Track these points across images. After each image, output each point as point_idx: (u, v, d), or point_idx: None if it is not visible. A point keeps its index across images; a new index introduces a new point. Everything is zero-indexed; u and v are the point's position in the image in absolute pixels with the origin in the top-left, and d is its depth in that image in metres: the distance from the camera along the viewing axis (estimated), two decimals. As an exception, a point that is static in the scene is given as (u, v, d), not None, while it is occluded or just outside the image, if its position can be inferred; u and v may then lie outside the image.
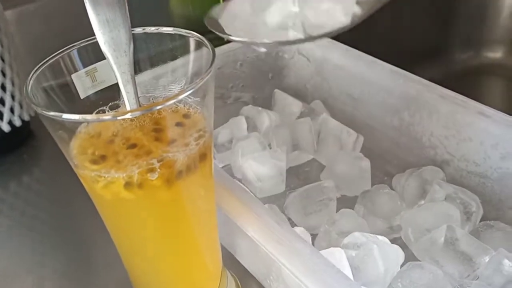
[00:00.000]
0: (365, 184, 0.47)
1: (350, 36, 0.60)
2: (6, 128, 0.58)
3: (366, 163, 0.47)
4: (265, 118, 0.54)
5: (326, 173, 0.49)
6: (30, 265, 0.47)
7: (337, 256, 0.38)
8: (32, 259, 0.48)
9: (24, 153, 0.61)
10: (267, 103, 0.58)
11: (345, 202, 0.46)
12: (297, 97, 0.57)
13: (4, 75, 0.57)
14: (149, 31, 0.34)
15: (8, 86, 0.57)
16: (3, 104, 0.57)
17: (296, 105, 0.56)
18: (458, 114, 0.44)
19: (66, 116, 0.28)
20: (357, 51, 0.54)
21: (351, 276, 0.36)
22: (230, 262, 0.42)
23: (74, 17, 0.69)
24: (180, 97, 0.28)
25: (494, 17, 0.85)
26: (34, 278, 0.46)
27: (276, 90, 0.58)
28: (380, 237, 0.38)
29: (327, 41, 0.57)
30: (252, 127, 0.55)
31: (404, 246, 0.41)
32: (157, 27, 0.34)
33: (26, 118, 0.60)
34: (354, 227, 0.40)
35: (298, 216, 0.44)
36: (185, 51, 0.33)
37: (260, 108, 0.55)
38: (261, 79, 0.60)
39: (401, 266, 0.38)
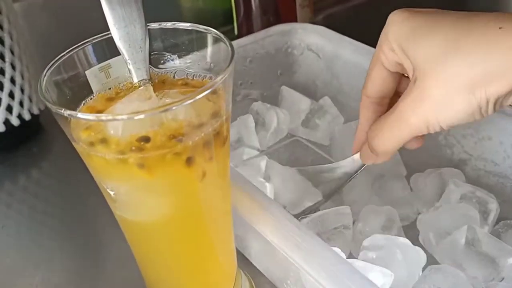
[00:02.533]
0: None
1: (360, 31, 0.58)
2: (15, 121, 0.55)
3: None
4: (273, 116, 0.52)
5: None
6: (39, 260, 0.45)
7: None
8: (40, 254, 0.46)
9: (33, 147, 0.58)
10: (276, 100, 0.55)
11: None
12: (306, 94, 0.54)
13: (13, 68, 0.54)
14: (165, 27, 0.31)
15: (18, 79, 0.55)
16: (13, 97, 0.55)
17: (304, 102, 0.53)
18: (476, 112, 0.41)
19: (81, 115, 0.26)
20: (368, 47, 0.52)
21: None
22: (244, 263, 0.39)
23: (83, 10, 0.67)
24: (198, 97, 0.25)
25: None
26: (43, 273, 0.44)
27: (283, 87, 0.55)
28: (401, 239, 0.35)
29: (338, 37, 0.54)
30: (261, 123, 0.52)
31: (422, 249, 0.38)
32: (173, 23, 0.31)
33: (36, 111, 0.58)
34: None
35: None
36: (203, 45, 0.31)
37: (269, 105, 0.53)
38: (270, 76, 0.57)
39: (423, 269, 0.35)
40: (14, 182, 0.55)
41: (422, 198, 0.42)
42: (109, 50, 0.30)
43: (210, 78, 0.30)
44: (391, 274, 0.33)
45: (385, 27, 0.34)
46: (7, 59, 0.53)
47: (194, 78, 0.31)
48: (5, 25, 0.53)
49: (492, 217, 0.39)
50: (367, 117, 0.37)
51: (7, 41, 0.53)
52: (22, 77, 0.55)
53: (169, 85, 0.31)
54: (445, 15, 0.31)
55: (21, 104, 0.55)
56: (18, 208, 0.52)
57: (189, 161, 0.27)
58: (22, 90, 0.55)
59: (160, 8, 0.63)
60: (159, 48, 0.32)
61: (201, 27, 0.30)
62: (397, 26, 0.32)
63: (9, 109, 0.55)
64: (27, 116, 0.56)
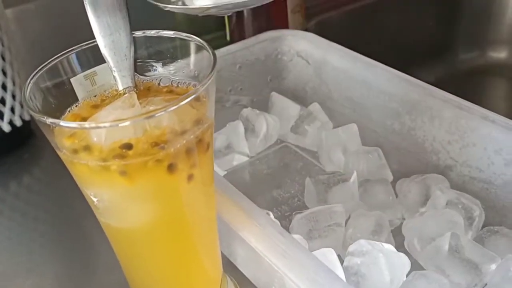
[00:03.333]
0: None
1: (352, 38, 0.58)
2: (6, 128, 0.55)
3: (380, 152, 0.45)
4: (263, 122, 0.52)
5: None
6: (30, 266, 0.45)
7: (329, 257, 0.36)
8: (31, 260, 0.46)
9: (25, 153, 0.58)
10: (265, 106, 0.56)
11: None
12: (296, 100, 0.55)
13: (4, 74, 0.54)
14: (149, 34, 0.31)
15: (9, 85, 0.55)
16: (4, 103, 0.55)
17: (293, 108, 0.54)
18: (461, 119, 0.42)
19: (64, 123, 0.26)
20: (357, 53, 0.52)
21: (343, 277, 0.34)
22: (230, 268, 0.39)
23: (74, 16, 0.66)
24: (181, 103, 0.26)
25: (499, 16, 0.83)
26: (34, 279, 0.43)
27: (273, 93, 0.55)
28: (386, 245, 0.35)
29: (327, 43, 0.54)
30: (250, 130, 0.52)
31: (407, 254, 0.38)
32: (157, 31, 0.31)
33: (27, 118, 0.58)
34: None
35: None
36: (186, 53, 0.31)
37: (258, 112, 0.53)
38: (260, 82, 0.57)
39: (407, 275, 0.35)
40: (5, 188, 0.55)
41: (407, 204, 0.42)
42: (94, 57, 0.31)
43: (194, 85, 0.31)
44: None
45: None
46: (-2, 65, 0.53)
47: (179, 85, 0.31)
48: (-4, 32, 0.53)
49: (476, 223, 0.39)
50: None
51: (-2, 47, 0.53)
52: (14, 83, 0.55)
53: (154, 93, 0.31)
54: None
55: (12, 110, 0.55)
56: (9, 214, 0.52)
57: (171, 167, 0.27)
58: (13, 96, 0.55)
59: (154, 14, 0.63)
60: (144, 56, 0.32)
61: (183, 35, 0.30)
62: None
63: (0, 115, 0.55)
64: (18, 122, 0.56)
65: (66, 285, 0.43)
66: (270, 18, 0.69)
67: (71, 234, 0.48)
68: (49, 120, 0.25)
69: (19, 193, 0.55)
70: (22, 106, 0.57)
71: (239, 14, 0.69)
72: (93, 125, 0.26)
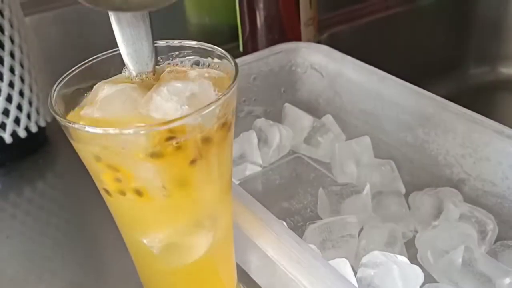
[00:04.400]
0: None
1: (364, 51, 0.59)
2: (22, 134, 0.56)
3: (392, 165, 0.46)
4: (276, 132, 0.52)
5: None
6: (42, 272, 0.45)
7: (342, 268, 0.36)
8: (43, 266, 0.46)
9: (40, 159, 0.59)
10: (279, 117, 0.56)
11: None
12: (309, 112, 0.55)
13: (22, 81, 0.55)
14: (172, 44, 0.32)
15: (26, 92, 0.56)
16: (21, 110, 0.55)
17: (306, 119, 0.54)
18: (475, 133, 0.42)
19: (89, 128, 0.26)
20: (370, 66, 0.52)
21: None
22: (243, 276, 0.40)
23: (91, 25, 0.68)
24: (203, 112, 0.26)
25: (510, 32, 0.83)
26: (45, 284, 0.44)
27: (286, 104, 0.56)
28: (399, 256, 0.35)
29: (341, 56, 0.55)
30: (263, 140, 0.53)
31: (420, 267, 0.39)
32: (180, 41, 0.32)
33: (43, 124, 0.58)
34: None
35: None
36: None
37: (272, 122, 0.53)
38: (274, 93, 0.58)
39: (420, 287, 0.36)
40: (19, 193, 0.55)
41: (419, 217, 0.42)
42: (116, 66, 0.31)
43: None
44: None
45: None
46: (16, 72, 0.54)
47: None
48: (16, 39, 0.54)
49: (489, 237, 0.40)
50: None
51: (17, 54, 0.54)
52: (31, 90, 0.56)
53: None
54: None
55: (28, 116, 0.56)
56: (22, 219, 0.52)
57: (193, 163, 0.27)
58: (30, 103, 0.56)
59: (167, 25, 0.64)
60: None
61: (206, 46, 0.31)
62: None
63: (17, 121, 0.55)
64: (34, 129, 0.57)
65: (78, 292, 0.43)
66: (283, 31, 0.69)
67: (84, 240, 0.49)
68: (76, 125, 0.26)
69: (33, 199, 0.55)
70: (38, 113, 0.57)
71: (253, 26, 0.69)
72: (117, 131, 0.27)
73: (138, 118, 0.27)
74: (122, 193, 0.28)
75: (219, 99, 0.27)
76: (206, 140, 0.28)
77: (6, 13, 0.53)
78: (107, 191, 0.29)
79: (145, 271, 0.34)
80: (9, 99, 0.54)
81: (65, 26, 0.68)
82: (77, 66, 0.31)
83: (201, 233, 0.31)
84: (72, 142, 0.28)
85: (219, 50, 0.31)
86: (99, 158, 0.27)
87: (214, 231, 0.31)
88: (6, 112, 0.55)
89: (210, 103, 0.26)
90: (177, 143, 0.26)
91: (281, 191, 0.50)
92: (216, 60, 0.31)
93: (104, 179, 0.29)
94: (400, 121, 0.48)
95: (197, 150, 0.27)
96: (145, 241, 0.30)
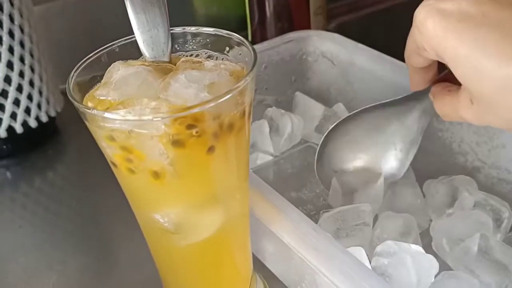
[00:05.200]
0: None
1: (372, 40, 0.58)
2: (33, 124, 0.56)
3: None
4: (288, 121, 0.52)
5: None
6: (52, 262, 0.46)
7: (358, 256, 0.36)
8: (54, 255, 0.46)
9: (49, 149, 0.59)
10: (290, 106, 0.56)
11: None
12: (320, 101, 0.55)
13: (32, 70, 0.55)
14: (189, 31, 0.32)
15: (36, 81, 0.56)
16: (31, 100, 0.56)
17: (317, 109, 0.54)
18: (490, 121, 0.42)
19: (107, 114, 0.26)
20: (383, 54, 0.52)
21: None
22: (257, 265, 0.40)
23: (101, 14, 0.68)
24: (223, 98, 0.26)
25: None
26: (56, 275, 0.44)
27: (297, 93, 0.56)
28: (413, 246, 0.35)
29: (353, 44, 0.55)
30: (275, 129, 0.53)
31: (435, 255, 0.39)
32: (197, 27, 0.32)
33: (53, 114, 0.59)
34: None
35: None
36: (224, 49, 0.32)
37: (283, 111, 0.53)
38: (285, 82, 0.58)
39: (435, 276, 0.36)
40: (30, 183, 0.56)
41: (434, 205, 0.42)
42: (133, 52, 0.31)
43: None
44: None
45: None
46: (26, 62, 0.54)
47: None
48: (26, 29, 0.54)
49: (505, 224, 0.39)
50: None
51: (27, 44, 0.54)
52: (41, 80, 0.56)
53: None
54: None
55: (39, 106, 0.56)
56: (33, 209, 0.53)
57: (211, 149, 0.27)
58: (40, 93, 0.56)
59: (175, 15, 0.64)
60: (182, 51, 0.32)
61: (224, 32, 0.31)
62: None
63: (28, 111, 0.56)
64: (44, 118, 0.57)
65: (89, 281, 0.44)
66: (292, 20, 0.69)
67: (94, 229, 0.49)
68: (94, 111, 0.26)
69: (43, 188, 0.56)
70: (48, 103, 0.58)
71: (262, 15, 0.69)
72: (136, 117, 0.27)
73: (155, 102, 0.27)
74: (132, 172, 0.28)
75: (239, 86, 0.27)
76: (225, 128, 0.27)
77: (16, 2, 0.53)
78: (115, 165, 0.29)
79: (158, 249, 0.34)
80: (19, 89, 0.54)
81: (74, 16, 0.68)
82: (94, 52, 0.31)
83: (214, 211, 0.31)
84: (87, 124, 0.28)
85: (236, 36, 0.31)
86: (113, 139, 0.27)
87: (228, 211, 0.31)
88: (16, 102, 0.55)
89: (231, 89, 0.26)
90: (196, 132, 0.26)
91: (293, 180, 0.50)
92: (232, 49, 0.31)
93: (115, 158, 0.29)
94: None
95: (215, 138, 0.27)
96: (157, 216, 0.30)
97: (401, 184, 0.43)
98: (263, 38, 0.68)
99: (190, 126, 0.26)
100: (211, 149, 0.28)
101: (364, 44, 0.54)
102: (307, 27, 0.69)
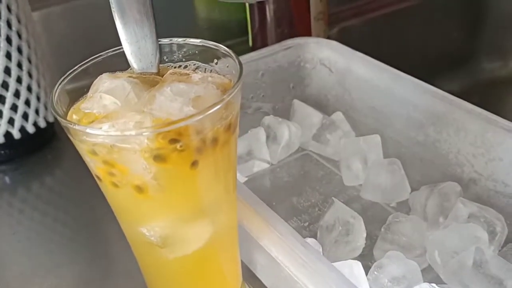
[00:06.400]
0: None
1: (375, 45, 0.58)
2: (31, 129, 0.56)
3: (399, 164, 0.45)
4: (285, 129, 0.52)
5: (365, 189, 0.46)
6: (49, 267, 0.45)
7: (355, 270, 0.35)
8: (51, 260, 0.46)
9: (48, 155, 0.59)
10: (287, 113, 0.55)
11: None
12: (318, 108, 0.54)
13: (30, 76, 0.55)
14: (176, 42, 0.31)
15: (34, 87, 0.55)
16: (29, 105, 0.55)
17: (316, 116, 0.53)
18: (488, 132, 0.41)
19: (90, 130, 0.26)
20: (380, 63, 0.51)
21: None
22: (249, 276, 0.39)
23: (99, 20, 0.67)
24: (207, 112, 0.26)
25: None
26: (52, 280, 0.44)
27: (295, 101, 0.55)
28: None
29: (351, 52, 0.54)
30: (272, 137, 0.52)
31: (429, 268, 0.38)
32: (184, 38, 0.31)
33: (51, 119, 0.58)
34: (406, 271, 0.36)
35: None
36: (211, 60, 0.31)
37: (280, 119, 0.52)
38: (282, 89, 0.57)
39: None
40: (27, 188, 0.55)
41: (428, 218, 0.42)
42: (120, 64, 0.31)
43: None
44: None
45: None
46: (24, 68, 0.54)
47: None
48: (24, 35, 0.54)
49: (498, 237, 0.39)
50: None
51: (25, 49, 0.54)
52: (39, 85, 0.56)
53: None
54: None
55: (37, 112, 0.56)
56: (30, 214, 0.52)
57: (194, 164, 0.27)
58: (38, 98, 0.56)
59: (176, 19, 0.64)
60: (172, 60, 0.32)
61: (210, 43, 0.30)
62: None
63: (25, 116, 0.55)
64: (42, 124, 0.57)
65: (85, 287, 0.43)
66: (293, 25, 0.69)
67: (91, 236, 0.49)
68: (77, 126, 0.26)
69: (41, 194, 0.55)
70: (46, 108, 0.57)
71: (262, 20, 0.69)
72: (118, 133, 0.26)
73: (140, 116, 0.27)
74: (116, 186, 0.28)
75: (224, 99, 0.26)
76: (209, 143, 0.27)
77: (13, 8, 0.53)
78: (99, 179, 0.29)
79: (145, 262, 0.33)
80: (17, 94, 0.54)
81: (73, 21, 0.68)
82: (80, 64, 0.30)
83: (201, 224, 0.30)
84: (69, 136, 0.28)
85: (223, 48, 0.30)
86: (95, 153, 0.27)
87: (215, 224, 0.31)
88: (14, 108, 0.54)
89: (216, 103, 0.26)
90: (180, 146, 0.26)
91: (289, 189, 0.50)
92: (220, 61, 0.30)
93: (99, 172, 0.28)
94: (410, 119, 0.47)
95: (199, 152, 0.27)
96: (143, 230, 0.30)
97: (393, 224, 0.41)
98: (264, 43, 0.68)
99: (173, 141, 0.26)
100: (194, 163, 0.27)
101: (367, 49, 0.54)
102: (308, 32, 0.68)
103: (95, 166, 0.28)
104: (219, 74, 0.30)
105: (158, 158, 0.26)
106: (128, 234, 0.32)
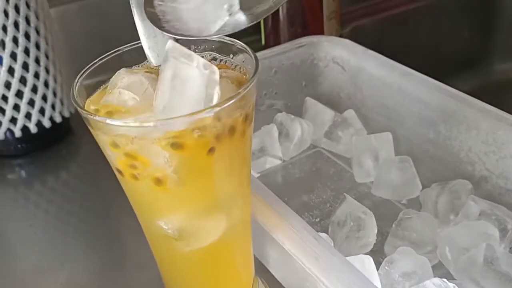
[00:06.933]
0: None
1: (387, 44, 0.58)
2: (47, 124, 0.57)
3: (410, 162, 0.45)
4: (298, 127, 0.52)
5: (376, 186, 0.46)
6: (63, 260, 0.46)
7: (366, 264, 0.35)
8: (65, 254, 0.47)
9: (63, 149, 0.60)
10: (300, 111, 0.56)
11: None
12: (330, 106, 0.55)
13: (47, 72, 0.56)
14: (193, 38, 0.32)
15: (51, 83, 0.56)
16: (46, 100, 0.56)
17: (327, 114, 0.54)
18: (499, 130, 0.41)
19: (109, 121, 0.26)
20: (393, 61, 0.52)
21: (379, 285, 0.34)
22: (261, 270, 0.40)
23: (115, 17, 0.68)
24: (224, 106, 0.26)
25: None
26: (66, 273, 0.44)
27: (307, 98, 0.56)
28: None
29: (363, 50, 0.54)
30: (284, 134, 0.52)
31: (440, 264, 0.38)
32: (202, 34, 0.31)
33: (67, 114, 0.59)
34: (416, 266, 0.36)
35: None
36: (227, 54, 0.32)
37: (293, 116, 0.53)
38: (295, 87, 0.57)
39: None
40: (43, 182, 0.56)
41: (439, 215, 0.42)
42: (138, 58, 0.31)
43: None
44: None
45: None
46: (41, 63, 0.55)
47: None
48: (42, 30, 0.54)
49: (509, 235, 0.39)
50: None
51: (42, 45, 0.55)
52: (55, 81, 0.57)
53: None
54: None
55: (53, 107, 0.57)
56: (45, 207, 0.53)
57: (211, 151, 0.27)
58: (54, 94, 0.57)
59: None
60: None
61: (227, 39, 0.31)
62: None
63: (42, 111, 0.56)
64: (58, 119, 0.58)
65: (99, 280, 0.44)
66: (306, 24, 0.69)
67: (105, 230, 0.49)
68: (96, 117, 0.26)
69: (56, 188, 0.56)
70: (62, 103, 0.58)
71: (275, 19, 0.69)
72: (137, 123, 0.26)
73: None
74: (136, 178, 0.28)
75: (240, 93, 0.27)
76: (227, 131, 0.27)
77: (32, 4, 0.53)
78: (120, 172, 0.29)
79: (161, 254, 0.34)
80: (34, 89, 0.55)
81: (89, 18, 0.69)
82: (99, 58, 0.31)
83: (217, 218, 0.31)
84: (90, 129, 0.28)
85: (239, 43, 0.30)
86: (117, 146, 0.27)
87: (230, 218, 0.31)
88: (31, 103, 0.55)
89: (231, 97, 0.26)
90: (199, 135, 0.26)
91: (301, 185, 0.50)
92: (236, 55, 0.31)
93: (120, 165, 0.29)
94: (422, 117, 0.48)
95: (216, 139, 0.27)
96: (160, 223, 0.30)
97: (404, 220, 0.41)
98: (277, 42, 0.68)
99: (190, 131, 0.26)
100: (211, 150, 0.27)
101: (379, 48, 0.54)
102: (321, 31, 0.69)
103: (117, 159, 0.28)
104: (235, 65, 0.31)
105: (175, 145, 0.26)
106: (146, 227, 0.32)
